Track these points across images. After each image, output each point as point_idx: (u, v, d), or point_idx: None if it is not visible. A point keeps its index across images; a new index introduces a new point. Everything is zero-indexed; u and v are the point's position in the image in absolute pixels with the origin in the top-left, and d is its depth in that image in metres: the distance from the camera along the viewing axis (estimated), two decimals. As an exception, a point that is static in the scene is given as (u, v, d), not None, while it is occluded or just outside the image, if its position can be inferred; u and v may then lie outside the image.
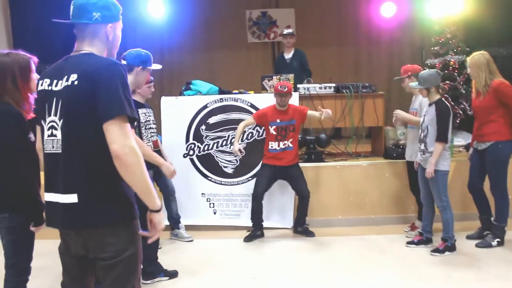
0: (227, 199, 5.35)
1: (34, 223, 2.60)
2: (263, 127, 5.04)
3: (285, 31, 7.03)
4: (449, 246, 4.25)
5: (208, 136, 5.33)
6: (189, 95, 5.51)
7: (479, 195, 4.56)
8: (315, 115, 4.91)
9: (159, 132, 5.29)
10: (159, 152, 4.41)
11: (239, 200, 5.32)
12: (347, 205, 5.38)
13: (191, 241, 4.97)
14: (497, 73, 4.35)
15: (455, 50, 6.86)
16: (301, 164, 5.12)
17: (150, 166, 4.15)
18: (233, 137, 5.12)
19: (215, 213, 5.37)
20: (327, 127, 5.83)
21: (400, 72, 4.88)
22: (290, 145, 4.87)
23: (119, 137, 1.81)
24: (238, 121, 5.13)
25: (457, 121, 6.54)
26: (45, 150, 1.99)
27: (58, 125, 1.92)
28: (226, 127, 5.28)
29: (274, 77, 5.72)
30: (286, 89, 4.79)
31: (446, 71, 6.59)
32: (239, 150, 4.92)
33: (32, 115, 2.66)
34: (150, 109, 4.31)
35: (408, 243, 4.57)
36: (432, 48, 7.18)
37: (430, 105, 4.26)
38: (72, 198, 1.89)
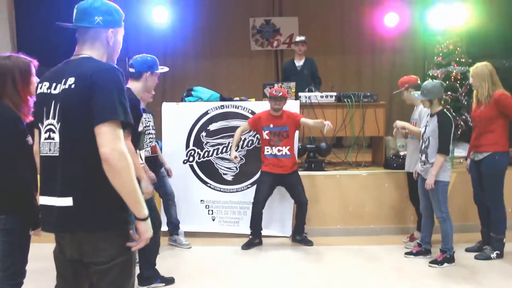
0: (226, 206, 5.33)
1: (31, 226, 2.59)
2: None
3: (298, 39, 6.99)
4: (447, 257, 4.22)
5: (208, 142, 5.33)
6: (190, 101, 5.52)
7: (483, 207, 4.53)
8: (309, 123, 4.91)
9: (159, 138, 5.32)
10: (157, 158, 4.42)
11: (238, 207, 5.31)
12: (346, 215, 5.36)
13: (190, 247, 4.95)
14: (499, 84, 4.36)
15: (457, 61, 6.86)
16: (301, 173, 5.12)
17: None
18: (233, 144, 5.14)
19: (213, 220, 5.36)
20: (328, 136, 5.82)
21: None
22: (288, 152, 4.87)
23: (109, 141, 1.81)
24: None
25: (459, 132, 6.52)
26: (41, 153, 1.99)
27: (56, 128, 1.92)
28: (226, 134, 5.28)
29: (276, 85, 5.72)
30: (280, 93, 4.81)
31: (448, 82, 6.58)
32: (236, 157, 4.94)
33: (30, 118, 2.66)
34: (150, 115, 4.31)
35: (407, 254, 4.54)
36: (434, 58, 7.18)
37: (432, 116, 4.25)
38: (68, 201, 1.89)
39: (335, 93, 5.82)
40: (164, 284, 3.88)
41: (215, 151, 5.32)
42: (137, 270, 3.68)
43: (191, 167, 5.37)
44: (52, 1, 6.86)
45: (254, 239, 4.95)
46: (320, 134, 5.70)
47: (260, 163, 5.03)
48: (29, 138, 2.64)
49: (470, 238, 4.82)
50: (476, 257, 4.42)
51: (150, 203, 3.50)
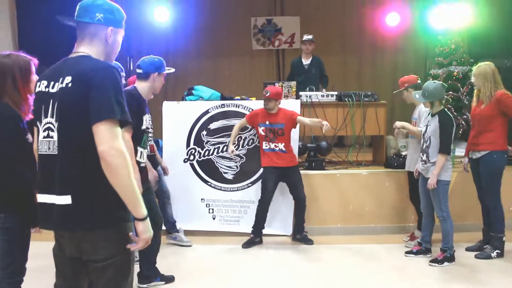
0: (227, 205, 5.34)
1: (31, 224, 2.60)
2: None
3: (305, 37, 7.00)
4: (448, 256, 4.22)
5: (209, 141, 5.34)
6: (191, 100, 5.53)
7: (486, 205, 4.52)
8: (306, 121, 4.92)
9: (160, 136, 5.33)
10: (154, 156, 4.43)
11: (239, 206, 5.31)
12: (346, 214, 5.36)
13: (190, 246, 4.95)
14: (501, 84, 4.37)
15: (458, 60, 6.85)
16: (301, 172, 5.12)
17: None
18: (234, 143, 5.15)
19: (214, 218, 5.36)
20: (329, 135, 5.82)
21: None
22: (284, 149, 4.88)
23: (107, 139, 1.81)
24: (240, 127, 5.16)
25: (460, 132, 6.51)
26: (40, 151, 2.00)
27: (54, 126, 1.93)
28: (227, 133, 5.28)
29: (277, 84, 5.72)
30: (268, 93, 4.82)
31: (449, 82, 6.57)
32: (233, 151, 4.99)
33: (30, 116, 2.67)
34: (149, 115, 4.34)
35: (407, 253, 4.54)
36: (435, 58, 7.17)
37: (433, 115, 4.25)
38: (66, 199, 1.89)
39: (336, 92, 5.83)
40: (164, 282, 3.89)
41: (216, 150, 5.33)
42: (137, 268, 3.68)
43: (192, 166, 5.37)
44: (53, 1, 6.87)
45: (255, 238, 4.95)
46: (321, 133, 5.70)
47: (260, 162, 5.03)
48: (29, 136, 2.65)
49: (471, 237, 4.81)
50: (476, 256, 4.42)
51: (150, 201, 3.52)
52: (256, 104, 5.31)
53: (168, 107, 5.45)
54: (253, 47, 9.68)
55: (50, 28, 5.87)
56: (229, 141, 5.11)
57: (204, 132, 5.34)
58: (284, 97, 5.65)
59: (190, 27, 9.00)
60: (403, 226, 5.28)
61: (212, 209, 5.37)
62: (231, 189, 5.34)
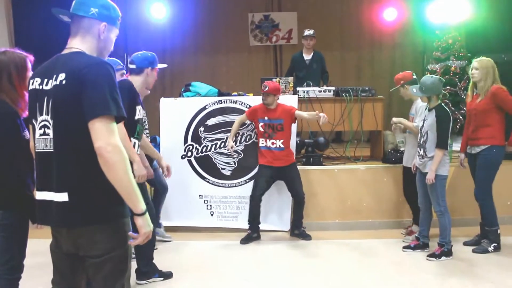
0: (225, 201, 5.34)
1: (31, 220, 2.60)
2: None
3: (306, 33, 6.96)
4: (445, 251, 4.23)
5: (206, 137, 5.34)
6: (188, 96, 5.52)
7: None
8: (304, 115, 4.93)
9: (157, 133, 5.33)
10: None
11: (237, 202, 5.31)
12: (344, 209, 5.37)
13: (171, 241, 4.98)
14: (498, 80, 4.38)
15: (456, 55, 6.85)
16: (299, 167, 5.12)
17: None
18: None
19: (212, 214, 5.37)
20: (326, 130, 5.82)
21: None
22: (281, 145, 4.88)
23: (103, 135, 1.81)
24: (237, 123, 5.15)
25: (457, 127, 6.52)
26: (37, 149, 2.00)
27: (50, 124, 1.92)
28: (224, 129, 5.28)
29: (274, 80, 5.71)
30: (266, 88, 4.82)
31: (447, 77, 6.57)
32: (232, 146, 4.99)
33: (27, 113, 2.66)
34: (142, 108, 4.35)
35: (405, 247, 4.55)
36: (433, 53, 7.17)
37: (430, 110, 4.25)
38: (64, 196, 1.89)
39: (333, 88, 5.82)
40: (162, 278, 3.89)
41: (213, 146, 5.33)
42: (134, 265, 3.69)
43: (189, 162, 5.37)
44: (49, -1, 6.85)
45: (252, 233, 4.96)
46: (318, 129, 5.70)
47: (258, 158, 5.04)
48: (26, 133, 2.65)
49: (468, 232, 4.84)
50: (473, 251, 4.43)
51: (145, 197, 3.51)
52: (254, 100, 5.30)
53: (165, 103, 5.45)
54: (251, 43, 9.66)
55: (46, 25, 5.84)
56: (228, 137, 5.11)
57: (202, 128, 5.34)
58: (281, 92, 5.65)
59: (187, 24, 8.99)
60: (401, 221, 5.30)
61: (210, 205, 5.37)
62: (229, 185, 5.34)
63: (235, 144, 5.21)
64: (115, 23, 2.10)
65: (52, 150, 1.92)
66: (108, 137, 1.81)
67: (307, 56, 6.97)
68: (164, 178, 4.74)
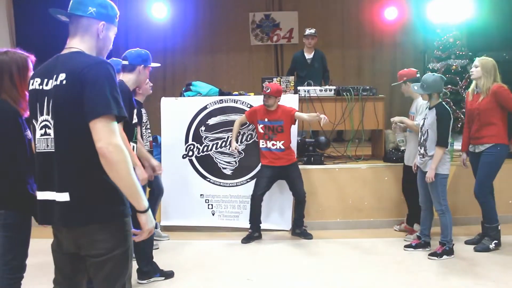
0: (226, 200, 5.34)
1: (35, 220, 2.61)
2: None
3: (307, 32, 6.92)
4: (447, 250, 4.23)
5: (207, 137, 5.34)
6: (189, 96, 5.52)
7: None
8: (304, 117, 4.93)
9: (158, 132, 5.34)
10: (151, 152, 4.46)
11: (238, 201, 5.32)
12: (346, 208, 5.37)
13: (168, 239, 5.01)
14: (498, 78, 4.38)
15: (457, 54, 6.84)
16: (300, 167, 5.13)
17: None
18: (233, 139, 5.18)
19: (213, 214, 5.37)
20: (328, 130, 5.82)
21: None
22: (282, 146, 4.88)
23: (105, 135, 1.81)
24: (238, 123, 5.16)
25: (459, 126, 6.51)
26: (38, 149, 2.00)
27: (51, 124, 1.92)
28: (225, 129, 5.28)
29: (275, 79, 5.73)
30: (269, 90, 4.81)
31: (448, 75, 6.56)
32: (236, 147, 5.00)
33: (28, 113, 2.67)
34: (145, 112, 4.37)
35: (406, 246, 4.55)
36: (434, 52, 7.16)
37: (430, 108, 4.25)
38: (65, 196, 1.90)
39: (334, 87, 5.82)
40: (163, 278, 3.89)
41: (214, 145, 5.33)
42: (135, 265, 3.69)
43: (191, 161, 5.38)
44: (50, -1, 6.86)
45: (254, 233, 4.96)
46: (319, 128, 5.70)
47: (259, 157, 5.05)
48: (28, 133, 2.65)
49: (470, 230, 4.84)
50: (475, 249, 4.43)
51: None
52: (254, 100, 5.31)
53: (166, 103, 5.45)
54: (252, 43, 9.66)
55: (47, 25, 5.86)
56: (231, 138, 5.13)
57: (203, 128, 5.34)
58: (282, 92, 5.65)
59: (188, 23, 9.00)
60: (402, 220, 5.28)
61: (212, 205, 5.37)
62: (230, 184, 5.35)
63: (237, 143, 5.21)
64: (113, 21, 2.09)
65: (53, 150, 1.92)
66: (109, 137, 1.82)
67: (309, 55, 6.95)
68: (161, 180, 4.75)
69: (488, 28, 6.94)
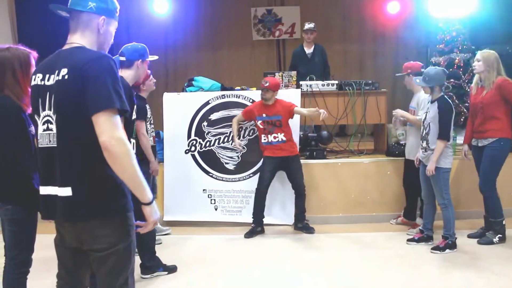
0: (229, 195, 5.36)
1: (40, 214, 2.62)
2: None
3: (306, 26, 6.83)
4: (449, 243, 4.23)
5: (209, 132, 5.35)
6: (191, 91, 5.53)
7: None
8: (303, 112, 4.93)
9: (161, 128, 5.35)
10: (155, 147, 4.48)
11: (240, 196, 5.33)
12: (348, 203, 5.37)
13: (169, 234, 5.06)
14: (503, 72, 4.36)
15: (460, 48, 6.81)
16: (302, 161, 5.13)
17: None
18: (235, 134, 5.20)
19: (216, 209, 5.38)
20: (330, 124, 5.82)
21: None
22: (284, 138, 4.89)
23: (107, 129, 1.82)
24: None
25: (461, 120, 6.49)
26: (40, 144, 2.00)
27: (53, 119, 1.93)
28: (227, 124, 5.29)
29: (277, 74, 5.72)
30: (267, 83, 4.82)
31: (451, 69, 6.53)
32: (240, 144, 5.05)
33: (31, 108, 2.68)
34: (149, 107, 4.39)
35: (409, 240, 4.55)
36: (437, 46, 7.13)
37: (432, 102, 4.25)
38: (67, 191, 1.90)
39: (336, 82, 5.81)
40: (166, 272, 3.91)
41: (217, 140, 5.34)
42: (138, 260, 3.70)
43: (193, 157, 5.39)
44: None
45: (257, 227, 4.98)
46: (322, 123, 5.70)
47: (261, 152, 5.06)
48: (32, 128, 2.66)
49: (472, 224, 4.84)
50: (479, 242, 4.44)
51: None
52: (256, 94, 5.30)
53: (169, 98, 5.46)
54: (254, 38, 9.64)
55: (49, 22, 5.86)
56: (232, 136, 5.16)
57: (205, 123, 5.35)
58: (284, 86, 5.66)
59: (189, 19, 8.98)
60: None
61: (214, 200, 5.39)
62: (233, 179, 5.36)
63: (239, 139, 5.22)
64: (113, 15, 2.09)
65: (56, 145, 1.93)
66: (112, 131, 1.82)
67: (308, 50, 6.89)
68: (156, 178, 4.80)
69: (491, 21, 6.90)
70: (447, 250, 4.22)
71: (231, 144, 5.26)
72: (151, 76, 4.21)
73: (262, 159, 5.08)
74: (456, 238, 4.27)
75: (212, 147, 5.36)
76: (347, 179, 5.38)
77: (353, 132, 5.85)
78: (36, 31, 6.84)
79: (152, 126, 4.47)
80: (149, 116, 4.29)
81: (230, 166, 5.36)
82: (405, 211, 5.08)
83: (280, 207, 5.30)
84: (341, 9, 9.44)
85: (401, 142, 5.37)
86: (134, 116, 3.35)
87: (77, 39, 2.00)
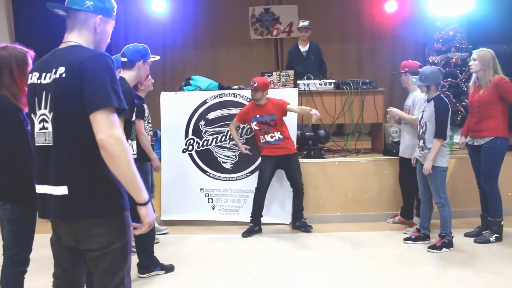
0: (226, 194, 5.36)
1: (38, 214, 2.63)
2: None
3: (301, 24, 6.75)
4: (446, 242, 4.24)
5: (207, 131, 5.35)
6: (188, 90, 5.53)
7: (485, 192, 4.52)
8: (295, 110, 4.93)
9: (158, 127, 5.35)
10: (152, 146, 4.49)
11: (238, 195, 5.33)
12: (345, 202, 5.38)
13: (167, 233, 5.06)
14: (499, 70, 4.36)
15: (457, 47, 6.83)
16: (300, 160, 5.13)
17: (148, 158, 4.24)
18: (232, 133, 5.21)
19: (213, 208, 5.39)
20: (328, 123, 5.83)
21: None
22: (281, 136, 4.90)
23: (105, 127, 1.82)
24: (238, 117, 5.17)
25: (458, 119, 6.50)
26: (37, 143, 2.00)
27: (48, 118, 1.93)
28: (225, 123, 5.29)
29: (274, 73, 5.72)
30: (256, 84, 4.81)
31: (448, 68, 6.55)
32: (245, 148, 5.08)
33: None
34: (147, 106, 4.40)
35: (406, 239, 4.56)
36: (434, 44, 7.14)
37: (428, 101, 4.26)
38: (63, 190, 1.90)
39: (333, 81, 5.81)
40: (164, 271, 3.91)
41: (214, 139, 5.34)
42: (135, 259, 3.70)
43: (191, 156, 5.39)
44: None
45: (254, 227, 4.98)
46: (319, 121, 5.69)
47: (259, 151, 5.07)
48: (30, 127, 2.66)
49: (469, 223, 4.85)
50: (475, 241, 4.45)
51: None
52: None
53: (166, 97, 5.46)
54: (251, 37, 9.66)
55: (46, 21, 5.86)
56: (235, 142, 5.17)
57: (202, 122, 5.35)
58: (282, 86, 5.66)
59: (187, 18, 8.98)
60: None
61: (212, 199, 5.39)
62: (230, 178, 5.36)
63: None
64: (110, 14, 2.09)
65: (51, 144, 1.93)
66: (110, 129, 1.82)
67: (304, 48, 6.80)
68: (152, 178, 4.80)
69: (488, 20, 6.93)
70: (444, 249, 4.23)
71: (229, 143, 5.26)
72: (150, 76, 4.22)
73: (260, 158, 5.08)
74: (452, 237, 4.28)
75: (209, 146, 5.36)
76: (344, 178, 5.38)
77: (351, 131, 5.85)
78: (33, 30, 6.85)
79: (150, 125, 4.48)
80: (146, 115, 4.30)
81: (227, 165, 5.36)
82: (402, 210, 5.10)
83: (278, 206, 5.30)
84: (339, 7, 9.46)
85: (394, 140, 5.38)
86: (133, 118, 3.36)
87: (74, 38, 2.00)
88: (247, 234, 4.93)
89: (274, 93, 5.08)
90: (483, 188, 4.45)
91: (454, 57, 6.74)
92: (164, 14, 8.41)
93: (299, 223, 5.06)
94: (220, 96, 5.35)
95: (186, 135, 5.37)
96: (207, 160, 5.37)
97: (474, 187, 4.62)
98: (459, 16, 6.96)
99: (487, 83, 4.32)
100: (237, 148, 5.24)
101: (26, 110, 2.64)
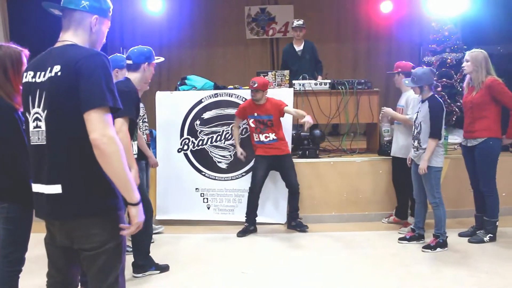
0: (221, 194, 5.36)
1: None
2: None
3: (295, 23, 6.66)
4: (440, 242, 4.26)
5: (202, 131, 5.35)
6: (184, 90, 5.52)
7: (479, 192, 4.54)
8: (292, 112, 4.92)
9: (153, 127, 5.34)
10: (148, 146, 4.49)
11: (233, 195, 5.33)
12: (341, 202, 5.39)
13: (162, 232, 5.06)
14: (492, 71, 4.38)
15: (452, 47, 6.85)
16: (294, 160, 5.15)
17: (143, 157, 4.23)
18: (227, 133, 5.26)
19: (208, 208, 5.39)
20: (323, 123, 5.84)
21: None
22: (275, 137, 4.91)
23: (99, 127, 1.81)
24: (233, 116, 5.17)
25: (453, 119, 6.52)
26: (31, 142, 2.00)
27: (42, 116, 1.92)
28: (220, 122, 5.30)
29: (270, 73, 5.73)
30: (256, 84, 4.81)
31: (443, 69, 6.58)
32: (242, 153, 5.07)
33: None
34: (143, 105, 4.38)
35: (400, 239, 4.57)
36: (429, 45, 7.17)
37: (423, 101, 4.27)
38: (56, 188, 1.90)
39: (329, 81, 5.82)
40: (159, 271, 3.91)
41: (209, 139, 5.34)
42: (130, 258, 3.70)
43: (186, 155, 5.39)
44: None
45: (249, 226, 4.98)
46: (314, 122, 5.70)
47: (253, 152, 5.07)
48: (25, 126, 2.66)
49: (463, 223, 4.87)
50: (469, 241, 4.47)
51: (141, 189, 3.53)
52: (249, 93, 5.29)
53: (161, 97, 5.45)
54: (247, 37, 9.66)
55: (41, 20, 5.84)
56: (234, 144, 5.16)
57: (198, 122, 5.35)
58: (277, 85, 5.66)
59: (183, 17, 8.98)
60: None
61: (207, 199, 5.39)
62: (225, 178, 5.36)
63: (231, 138, 5.23)
64: (106, 15, 2.09)
65: (45, 143, 1.92)
66: (103, 129, 1.82)
67: (298, 47, 6.72)
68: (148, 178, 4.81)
69: (483, 21, 6.96)
70: (438, 249, 4.25)
71: (224, 143, 5.26)
72: None
73: (254, 158, 5.08)
74: (447, 236, 4.30)
75: (204, 146, 5.36)
76: (339, 178, 5.39)
77: (346, 131, 5.86)
78: (28, 29, 6.82)
79: (146, 124, 4.48)
80: (142, 114, 4.29)
81: (223, 165, 5.36)
82: (397, 210, 5.12)
83: (273, 206, 5.31)
84: (335, 8, 9.48)
85: (385, 139, 5.39)
86: (137, 119, 3.36)
87: (69, 37, 2.00)
88: (242, 233, 4.93)
89: (269, 93, 5.08)
90: (482, 189, 4.46)
91: (449, 58, 6.75)
92: (160, 14, 8.40)
93: (295, 223, 5.07)
94: (216, 95, 5.36)
95: (182, 134, 5.37)
96: (203, 159, 5.37)
97: (468, 187, 4.65)
98: (455, 17, 6.98)
99: (480, 84, 4.34)
100: (233, 148, 5.24)
101: (21, 109, 2.64)
